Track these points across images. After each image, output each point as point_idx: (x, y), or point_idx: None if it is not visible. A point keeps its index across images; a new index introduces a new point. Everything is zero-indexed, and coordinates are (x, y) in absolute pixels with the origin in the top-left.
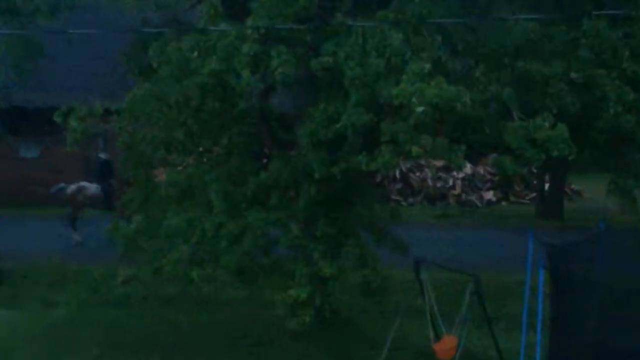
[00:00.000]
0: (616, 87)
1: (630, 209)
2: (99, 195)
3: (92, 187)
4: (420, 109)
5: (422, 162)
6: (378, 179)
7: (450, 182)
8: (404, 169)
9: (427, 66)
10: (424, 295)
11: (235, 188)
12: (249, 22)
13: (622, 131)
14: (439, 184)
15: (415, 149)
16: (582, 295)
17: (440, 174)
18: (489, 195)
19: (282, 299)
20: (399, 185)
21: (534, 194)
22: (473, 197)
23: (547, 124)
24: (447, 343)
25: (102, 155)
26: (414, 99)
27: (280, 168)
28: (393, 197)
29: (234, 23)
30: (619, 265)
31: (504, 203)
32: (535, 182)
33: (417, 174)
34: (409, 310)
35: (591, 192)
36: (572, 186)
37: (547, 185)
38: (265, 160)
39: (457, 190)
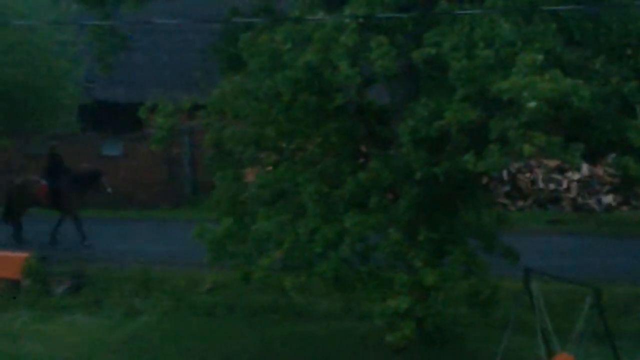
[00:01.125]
0: None
1: None
2: None
3: None
4: (532, 104)
5: (533, 162)
6: (484, 180)
7: (565, 185)
8: (512, 169)
9: (540, 57)
10: (534, 308)
11: (330, 189)
12: (347, 10)
13: None
14: (551, 187)
15: (527, 148)
16: None
17: (553, 175)
18: (609, 199)
19: (380, 310)
20: (506, 188)
21: None
22: (590, 201)
23: None
24: None
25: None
26: (525, 94)
27: (379, 168)
28: (500, 200)
29: (331, 12)
30: None
31: (624, 208)
32: None
33: (527, 175)
34: (519, 324)
35: None
36: None
37: None
38: (362, 160)
39: (572, 194)
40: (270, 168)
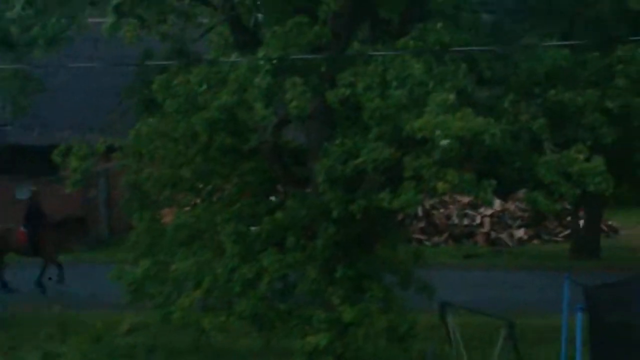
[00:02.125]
0: None
1: None
2: None
3: None
4: (444, 142)
5: (447, 198)
6: (399, 217)
7: (478, 220)
8: (427, 206)
9: (452, 97)
10: (451, 342)
11: (248, 229)
12: (261, 52)
13: None
14: (465, 222)
15: (441, 185)
16: (623, 341)
17: (467, 210)
18: (520, 233)
19: (300, 347)
20: (422, 224)
21: (567, 232)
22: (503, 236)
23: (581, 157)
24: None
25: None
26: (438, 132)
27: (296, 207)
28: (416, 236)
29: (245, 54)
30: None
31: (535, 241)
32: (569, 218)
33: (442, 211)
34: (436, 357)
35: (630, 228)
36: (609, 222)
37: (581, 222)
38: (279, 199)
39: (486, 229)
40: (187, 209)
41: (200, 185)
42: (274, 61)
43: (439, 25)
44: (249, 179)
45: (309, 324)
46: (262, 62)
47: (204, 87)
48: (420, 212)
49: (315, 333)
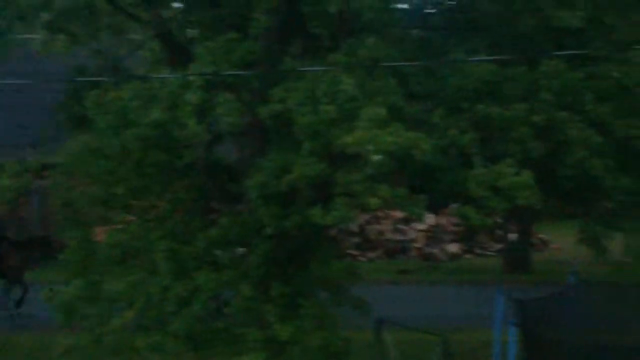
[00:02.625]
0: (580, 130)
1: (600, 259)
2: None
3: None
4: (376, 157)
5: (380, 213)
6: (333, 232)
7: (412, 235)
8: (361, 221)
9: (382, 112)
10: (386, 358)
11: (182, 247)
12: (193, 68)
13: (589, 177)
14: (399, 237)
15: (373, 201)
16: (555, 353)
17: (400, 226)
18: (453, 248)
19: None
20: (356, 239)
21: (500, 246)
22: (436, 250)
23: (511, 171)
24: None
25: None
26: (369, 147)
27: (229, 224)
28: (350, 252)
29: (177, 70)
30: (591, 321)
31: (468, 256)
32: (500, 232)
33: (376, 226)
34: None
35: (560, 240)
36: (540, 235)
37: (513, 236)
38: (213, 216)
39: (419, 244)
40: (121, 227)
41: (134, 203)
42: (208, 77)
43: (370, 40)
44: (182, 196)
45: (243, 343)
46: (193, 78)
47: (136, 103)
48: (355, 227)
49: (250, 352)
